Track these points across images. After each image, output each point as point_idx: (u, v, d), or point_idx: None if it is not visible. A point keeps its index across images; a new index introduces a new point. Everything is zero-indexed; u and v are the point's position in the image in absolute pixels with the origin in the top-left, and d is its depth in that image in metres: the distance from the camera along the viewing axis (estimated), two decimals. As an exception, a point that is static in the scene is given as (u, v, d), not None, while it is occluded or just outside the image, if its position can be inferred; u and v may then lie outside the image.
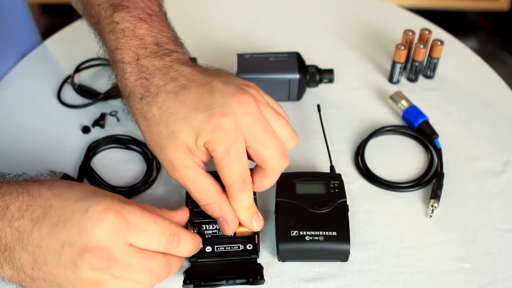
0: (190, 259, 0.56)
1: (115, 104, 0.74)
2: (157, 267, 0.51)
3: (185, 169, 0.53)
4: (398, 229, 0.62)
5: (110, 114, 0.73)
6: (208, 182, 0.54)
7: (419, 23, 0.84)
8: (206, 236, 0.57)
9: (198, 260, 0.56)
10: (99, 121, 0.71)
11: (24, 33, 0.81)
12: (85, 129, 0.71)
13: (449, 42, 0.80)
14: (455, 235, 0.62)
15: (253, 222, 0.56)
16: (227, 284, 0.55)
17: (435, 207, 0.63)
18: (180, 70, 0.55)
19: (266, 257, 0.59)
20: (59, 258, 0.48)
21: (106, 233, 0.48)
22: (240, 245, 0.57)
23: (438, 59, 0.75)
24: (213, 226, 0.58)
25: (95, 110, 0.73)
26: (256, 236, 0.58)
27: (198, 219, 0.58)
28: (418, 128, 0.71)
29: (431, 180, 0.66)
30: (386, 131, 0.71)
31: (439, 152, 0.68)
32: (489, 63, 0.81)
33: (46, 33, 0.85)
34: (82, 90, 0.75)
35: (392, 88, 0.75)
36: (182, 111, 0.52)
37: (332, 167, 0.65)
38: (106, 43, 0.59)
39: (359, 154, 0.68)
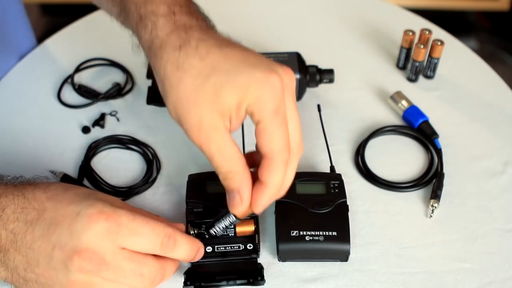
0: None
1: (115, 104, 0.74)
2: (149, 271, 0.51)
3: (214, 131, 0.47)
4: (398, 229, 0.62)
5: (110, 114, 0.73)
6: (236, 149, 0.49)
7: (419, 23, 0.84)
8: (207, 236, 0.57)
9: (199, 260, 0.56)
10: (99, 121, 0.71)
11: (20, 36, 0.81)
12: (85, 129, 0.71)
13: (449, 42, 0.80)
14: (455, 235, 0.62)
15: (268, 202, 0.51)
16: (227, 285, 0.55)
17: (435, 207, 0.63)
18: (216, 33, 0.52)
19: (266, 257, 0.59)
20: (50, 260, 0.48)
21: (96, 236, 0.48)
22: (240, 245, 0.57)
23: (438, 59, 0.75)
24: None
25: (95, 110, 0.73)
26: (256, 236, 0.58)
27: (198, 219, 0.58)
28: (418, 128, 0.71)
29: (431, 180, 0.66)
30: (386, 131, 0.71)
31: (439, 152, 0.68)
32: (489, 63, 0.81)
33: (46, 33, 0.85)
34: (82, 90, 0.75)
35: (396, 87, 0.75)
36: (227, 64, 0.47)
37: (332, 167, 0.65)
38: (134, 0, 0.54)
39: (359, 154, 0.68)
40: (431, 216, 0.63)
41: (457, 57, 0.81)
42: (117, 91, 0.75)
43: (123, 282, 0.50)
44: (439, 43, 0.74)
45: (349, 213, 0.58)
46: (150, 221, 0.51)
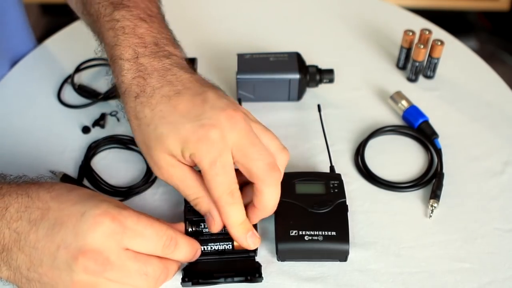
0: None
1: (115, 104, 0.74)
2: (154, 271, 0.51)
3: (172, 168, 0.54)
4: (397, 229, 0.62)
5: (110, 114, 0.73)
6: (195, 177, 0.54)
7: (419, 23, 0.84)
8: (205, 234, 0.57)
9: (197, 259, 0.56)
10: (99, 121, 0.71)
11: (19, 37, 0.81)
12: (85, 129, 0.71)
13: (449, 42, 0.80)
14: (455, 235, 0.62)
15: (248, 239, 0.55)
16: (225, 282, 0.55)
17: (435, 207, 0.63)
18: (178, 75, 0.55)
19: (265, 257, 0.59)
20: (54, 260, 0.48)
21: (101, 236, 0.48)
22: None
23: (438, 59, 0.75)
24: None
25: (95, 110, 0.73)
26: None
27: (196, 217, 0.58)
28: (418, 128, 0.71)
29: (431, 180, 0.66)
30: (386, 131, 0.71)
31: (439, 152, 0.68)
32: (489, 63, 0.81)
33: (46, 33, 0.85)
34: (82, 90, 0.75)
35: (396, 87, 0.75)
36: (172, 116, 0.52)
37: (332, 167, 0.65)
38: (105, 40, 0.59)
39: (359, 154, 0.68)
40: (430, 216, 0.63)
41: (457, 57, 0.81)
42: (114, 89, 0.75)
43: (127, 283, 0.50)
44: (439, 43, 0.74)
45: (348, 213, 0.58)
46: (154, 223, 0.51)
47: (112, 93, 0.74)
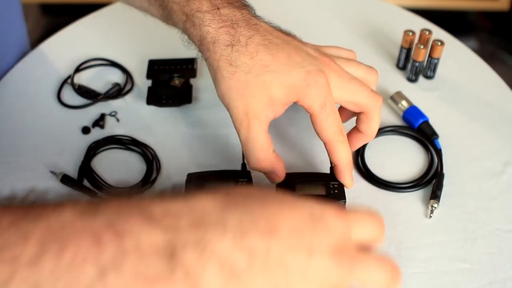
0: None
1: (115, 104, 0.74)
2: None
3: (256, 120, 0.55)
4: (398, 229, 0.62)
5: (110, 114, 0.73)
6: (268, 139, 0.57)
7: (419, 23, 0.84)
8: None
9: None
10: (99, 122, 0.71)
11: (16, 38, 0.81)
12: (85, 130, 0.71)
13: (449, 42, 0.80)
14: (455, 236, 0.62)
15: (351, 177, 0.60)
16: None
17: (435, 207, 0.63)
18: (259, 24, 0.58)
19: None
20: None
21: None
22: None
23: (438, 59, 0.75)
24: None
25: (95, 111, 0.73)
26: None
27: None
28: (418, 129, 0.71)
29: (431, 181, 0.66)
30: (386, 131, 0.71)
31: (439, 152, 0.68)
32: (489, 63, 0.81)
33: (46, 33, 0.85)
34: (82, 90, 0.75)
35: (396, 87, 0.75)
36: (275, 65, 0.55)
37: (332, 168, 0.65)
38: None
39: (359, 154, 0.68)
40: (431, 216, 0.63)
41: (457, 57, 0.81)
42: (117, 91, 0.75)
43: None
44: (439, 43, 0.74)
45: (349, 214, 0.58)
46: None
47: (112, 94, 0.74)
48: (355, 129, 0.62)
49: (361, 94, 0.58)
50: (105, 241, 0.33)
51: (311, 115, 0.57)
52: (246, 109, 0.55)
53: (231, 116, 0.57)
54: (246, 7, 0.60)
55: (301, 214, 0.39)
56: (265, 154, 0.57)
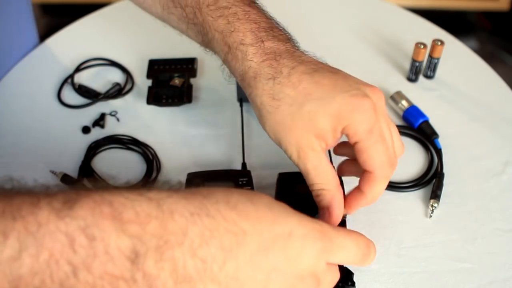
0: None
1: (115, 104, 0.74)
2: (337, 278, 0.48)
3: (312, 151, 0.51)
4: (398, 229, 0.62)
5: (110, 114, 0.73)
6: (331, 169, 0.52)
7: (419, 23, 0.84)
8: None
9: None
10: (99, 121, 0.71)
11: (23, 33, 0.81)
12: (85, 129, 0.71)
13: (449, 42, 0.80)
14: (455, 235, 0.62)
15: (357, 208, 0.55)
16: None
17: (435, 207, 0.63)
18: (304, 56, 0.54)
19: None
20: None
21: (313, 257, 0.45)
22: None
23: (438, 59, 0.75)
24: None
25: (95, 110, 0.73)
26: None
27: None
28: (418, 128, 0.71)
29: (431, 180, 0.66)
30: (386, 131, 0.71)
31: (439, 152, 0.68)
32: (489, 63, 0.81)
33: (46, 33, 0.85)
34: (82, 90, 0.75)
35: (396, 87, 0.75)
36: (319, 92, 0.51)
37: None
38: (216, 28, 0.57)
39: (359, 154, 0.68)
40: (431, 216, 0.63)
41: (457, 57, 0.81)
42: (117, 91, 0.75)
43: None
44: (439, 43, 0.74)
45: (349, 213, 0.58)
46: (350, 232, 0.48)
47: (112, 93, 0.74)
48: (357, 189, 0.54)
49: (382, 152, 0.51)
50: (78, 244, 0.38)
51: (356, 143, 0.51)
52: (298, 142, 0.51)
53: (285, 152, 0.53)
54: (291, 40, 0.57)
55: (276, 233, 0.43)
56: (329, 184, 0.52)
